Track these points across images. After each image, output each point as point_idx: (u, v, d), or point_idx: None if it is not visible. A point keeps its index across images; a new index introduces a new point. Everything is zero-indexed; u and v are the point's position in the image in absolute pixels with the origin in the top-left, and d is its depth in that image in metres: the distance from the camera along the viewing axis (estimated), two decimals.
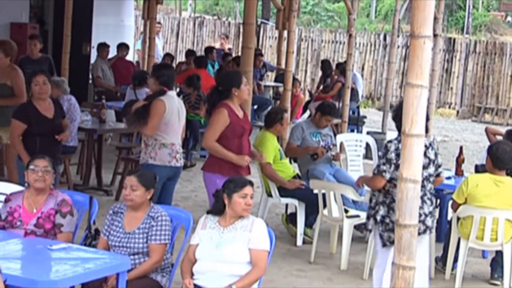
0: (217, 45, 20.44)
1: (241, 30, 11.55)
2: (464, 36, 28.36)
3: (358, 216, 8.01)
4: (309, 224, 8.56)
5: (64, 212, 5.76)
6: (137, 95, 10.93)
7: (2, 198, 6.05)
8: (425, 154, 6.13)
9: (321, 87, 16.26)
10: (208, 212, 5.72)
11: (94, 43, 15.84)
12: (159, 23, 22.20)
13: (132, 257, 5.58)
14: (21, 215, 5.77)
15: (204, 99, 12.64)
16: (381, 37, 22.99)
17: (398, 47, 21.21)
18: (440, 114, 21.47)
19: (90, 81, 15.24)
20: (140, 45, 18.34)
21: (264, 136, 8.55)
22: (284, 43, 12.48)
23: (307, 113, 15.73)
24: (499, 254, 7.53)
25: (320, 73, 18.01)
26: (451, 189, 8.01)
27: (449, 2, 30.66)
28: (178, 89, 13.38)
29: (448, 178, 8.24)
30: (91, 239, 5.82)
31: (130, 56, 16.62)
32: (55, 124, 7.74)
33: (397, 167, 5.91)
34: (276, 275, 7.31)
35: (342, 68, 14.75)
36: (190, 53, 16.17)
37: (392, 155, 6.20)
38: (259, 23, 22.35)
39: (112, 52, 15.00)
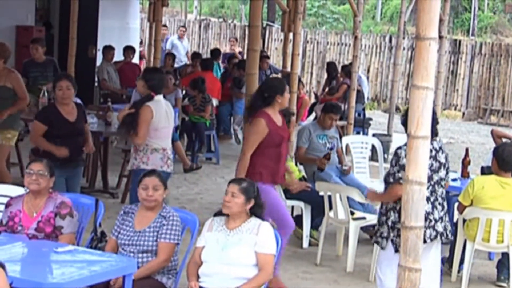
0: (227, 49, 20.44)
1: (247, 32, 11.52)
2: (470, 38, 28.31)
3: (364, 218, 8.01)
4: (315, 226, 8.56)
5: (63, 214, 5.75)
6: None
7: (2, 199, 6.08)
8: (435, 158, 6.09)
9: (327, 89, 16.23)
10: (215, 215, 5.73)
11: (100, 46, 15.84)
12: (183, 26, 22.25)
13: (140, 255, 5.61)
14: (22, 220, 5.76)
15: (208, 101, 12.67)
16: (387, 39, 22.97)
17: (404, 49, 21.18)
18: (445, 116, 21.43)
19: (96, 84, 15.25)
20: (168, 45, 18.52)
21: None
22: (290, 45, 12.42)
23: (313, 115, 15.71)
24: (505, 256, 7.53)
25: (325, 75, 17.98)
26: (457, 191, 8.00)
27: (454, 4, 30.59)
28: (184, 92, 13.40)
29: (454, 180, 8.24)
30: (97, 241, 5.83)
31: (136, 59, 16.60)
32: (76, 127, 7.75)
33: None
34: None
35: (347, 70, 14.72)
36: (195, 55, 16.15)
37: (405, 161, 6.16)
38: (264, 25, 22.37)
39: (118, 54, 15.01)
